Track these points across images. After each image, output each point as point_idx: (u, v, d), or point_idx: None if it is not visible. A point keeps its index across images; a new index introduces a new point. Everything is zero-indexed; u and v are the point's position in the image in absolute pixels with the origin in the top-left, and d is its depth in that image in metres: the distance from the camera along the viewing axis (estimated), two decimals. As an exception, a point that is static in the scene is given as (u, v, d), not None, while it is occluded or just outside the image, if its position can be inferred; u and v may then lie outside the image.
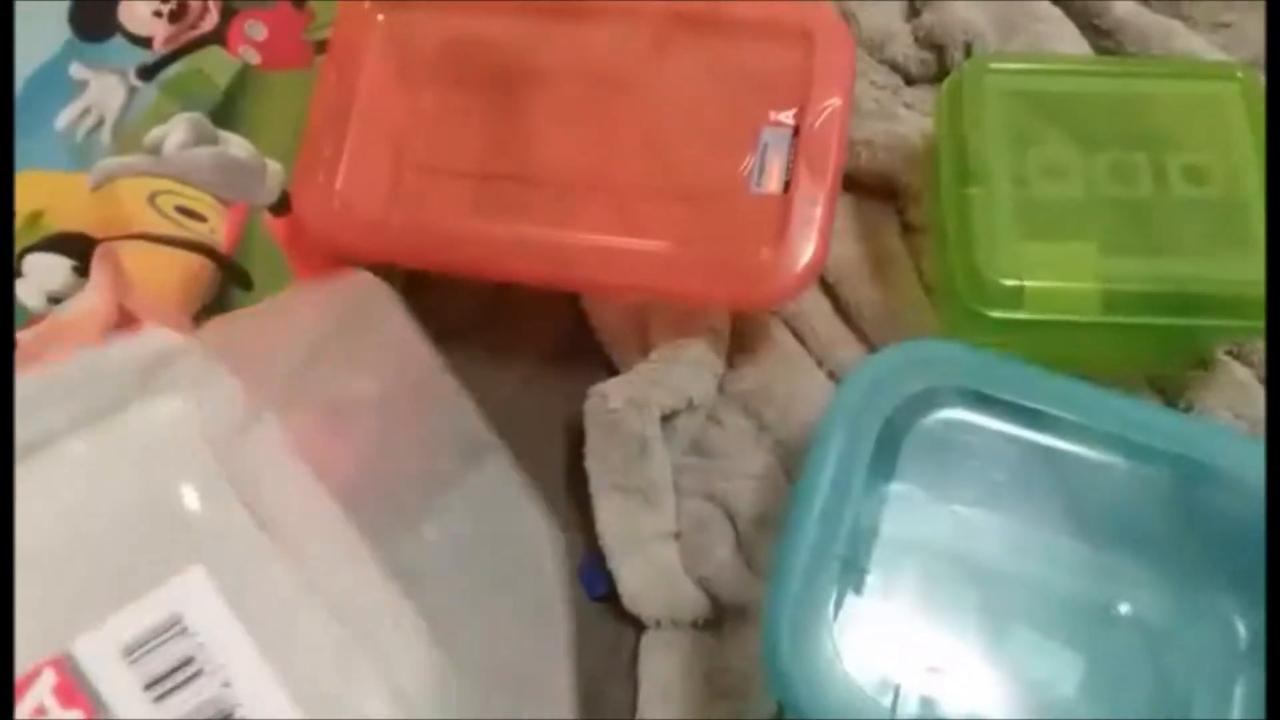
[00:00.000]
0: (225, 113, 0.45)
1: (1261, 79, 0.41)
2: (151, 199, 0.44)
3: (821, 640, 0.32)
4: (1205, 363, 0.42)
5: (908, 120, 0.46)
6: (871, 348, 0.43)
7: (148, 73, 0.46)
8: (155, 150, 0.44)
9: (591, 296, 0.45)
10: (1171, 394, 0.42)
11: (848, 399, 0.36)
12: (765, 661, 0.32)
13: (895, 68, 0.48)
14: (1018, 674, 0.35)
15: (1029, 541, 0.37)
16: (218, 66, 0.46)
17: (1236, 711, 0.35)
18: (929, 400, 0.37)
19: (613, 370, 0.44)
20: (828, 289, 0.44)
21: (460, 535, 0.30)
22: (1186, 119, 0.40)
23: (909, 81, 0.48)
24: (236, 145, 0.45)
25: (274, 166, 0.45)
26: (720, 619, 0.39)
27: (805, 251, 0.39)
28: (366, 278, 0.34)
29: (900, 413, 0.36)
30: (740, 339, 0.43)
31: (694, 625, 0.39)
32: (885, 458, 0.36)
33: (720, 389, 0.43)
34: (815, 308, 0.44)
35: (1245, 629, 0.36)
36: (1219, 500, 0.36)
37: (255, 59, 0.47)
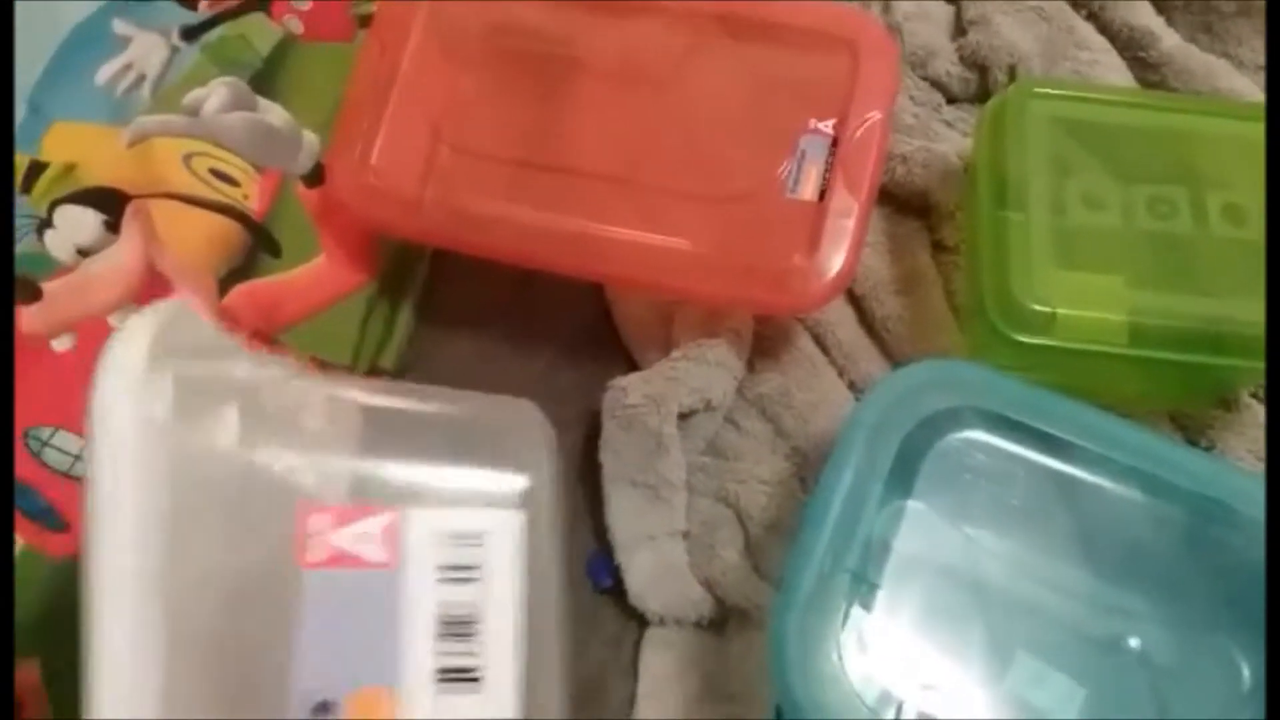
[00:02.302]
0: (265, 80, 0.45)
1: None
2: (186, 160, 0.44)
3: (828, 653, 0.32)
4: (1229, 403, 0.42)
5: (946, 138, 0.46)
6: (894, 362, 0.43)
7: (191, 34, 0.46)
8: (193, 112, 0.44)
9: (617, 290, 0.45)
10: (1193, 432, 0.42)
11: (868, 414, 0.36)
12: (771, 670, 0.32)
13: (937, 85, 0.48)
14: (1019, 700, 0.35)
15: (1040, 569, 0.37)
16: (260, 33, 0.46)
17: (1236, 752, 0.35)
18: (950, 420, 0.37)
19: (632, 364, 0.44)
20: (854, 300, 0.44)
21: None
22: (1228, 158, 0.40)
23: (950, 99, 0.48)
24: (274, 113, 0.45)
25: (310, 137, 0.45)
26: (724, 620, 0.39)
27: (836, 261, 0.39)
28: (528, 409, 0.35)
29: (920, 431, 0.36)
30: (763, 343, 0.43)
31: (697, 625, 0.39)
32: (902, 474, 0.36)
33: (739, 392, 0.42)
34: (840, 317, 0.44)
35: (1249, 671, 0.36)
36: (1233, 542, 0.36)
37: (298, 28, 0.47)
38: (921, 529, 0.36)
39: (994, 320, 0.38)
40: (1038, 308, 0.38)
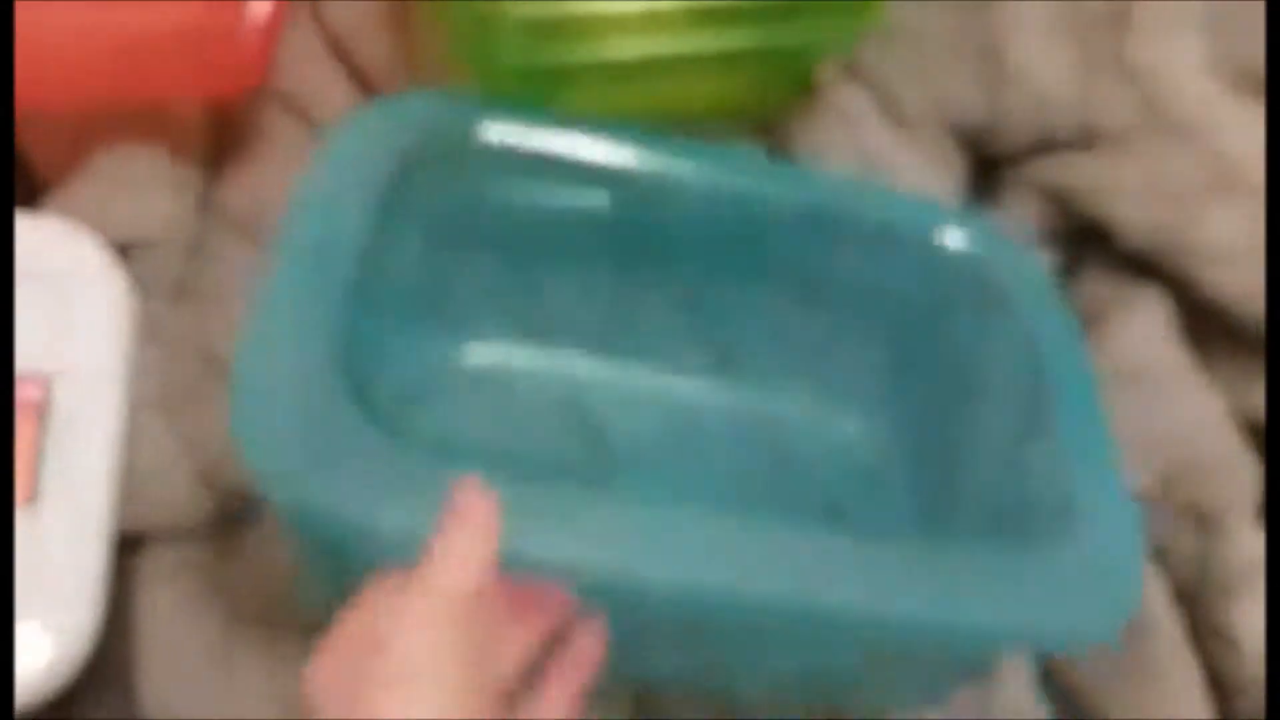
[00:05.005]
0: None
1: None
2: None
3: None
4: (809, 91, 0.35)
5: None
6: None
7: None
8: None
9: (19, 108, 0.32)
10: (778, 136, 0.35)
11: (322, 168, 0.28)
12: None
13: None
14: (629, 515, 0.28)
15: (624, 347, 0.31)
16: None
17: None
18: (447, 156, 0.29)
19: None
20: (340, 50, 0.34)
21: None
22: None
23: None
24: None
25: None
26: (229, 517, 0.29)
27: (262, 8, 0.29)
28: None
29: (403, 176, 0.27)
30: (222, 135, 0.32)
31: (195, 534, 0.29)
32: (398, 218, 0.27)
33: (208, 210, 0.32)
34: (321, 76, 0.33)
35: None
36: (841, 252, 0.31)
37: None
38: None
39: (485, 38, 0.28)
40: (526, 17, 0.28)
